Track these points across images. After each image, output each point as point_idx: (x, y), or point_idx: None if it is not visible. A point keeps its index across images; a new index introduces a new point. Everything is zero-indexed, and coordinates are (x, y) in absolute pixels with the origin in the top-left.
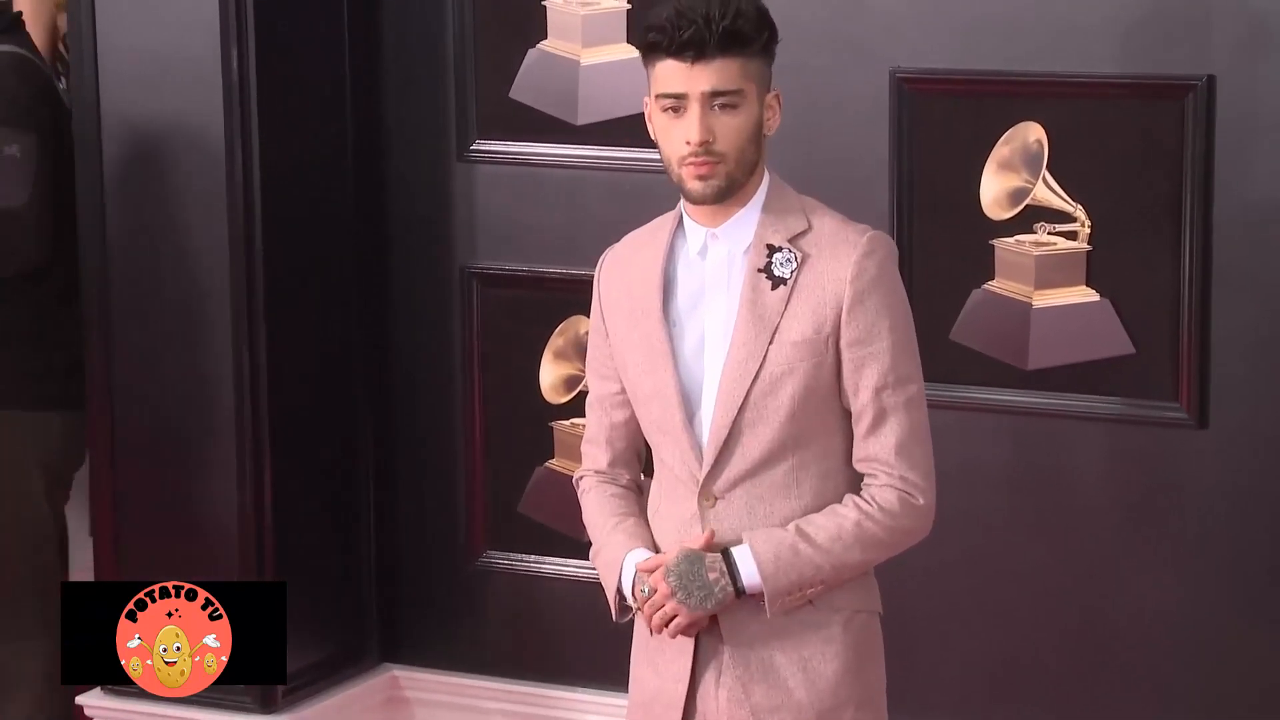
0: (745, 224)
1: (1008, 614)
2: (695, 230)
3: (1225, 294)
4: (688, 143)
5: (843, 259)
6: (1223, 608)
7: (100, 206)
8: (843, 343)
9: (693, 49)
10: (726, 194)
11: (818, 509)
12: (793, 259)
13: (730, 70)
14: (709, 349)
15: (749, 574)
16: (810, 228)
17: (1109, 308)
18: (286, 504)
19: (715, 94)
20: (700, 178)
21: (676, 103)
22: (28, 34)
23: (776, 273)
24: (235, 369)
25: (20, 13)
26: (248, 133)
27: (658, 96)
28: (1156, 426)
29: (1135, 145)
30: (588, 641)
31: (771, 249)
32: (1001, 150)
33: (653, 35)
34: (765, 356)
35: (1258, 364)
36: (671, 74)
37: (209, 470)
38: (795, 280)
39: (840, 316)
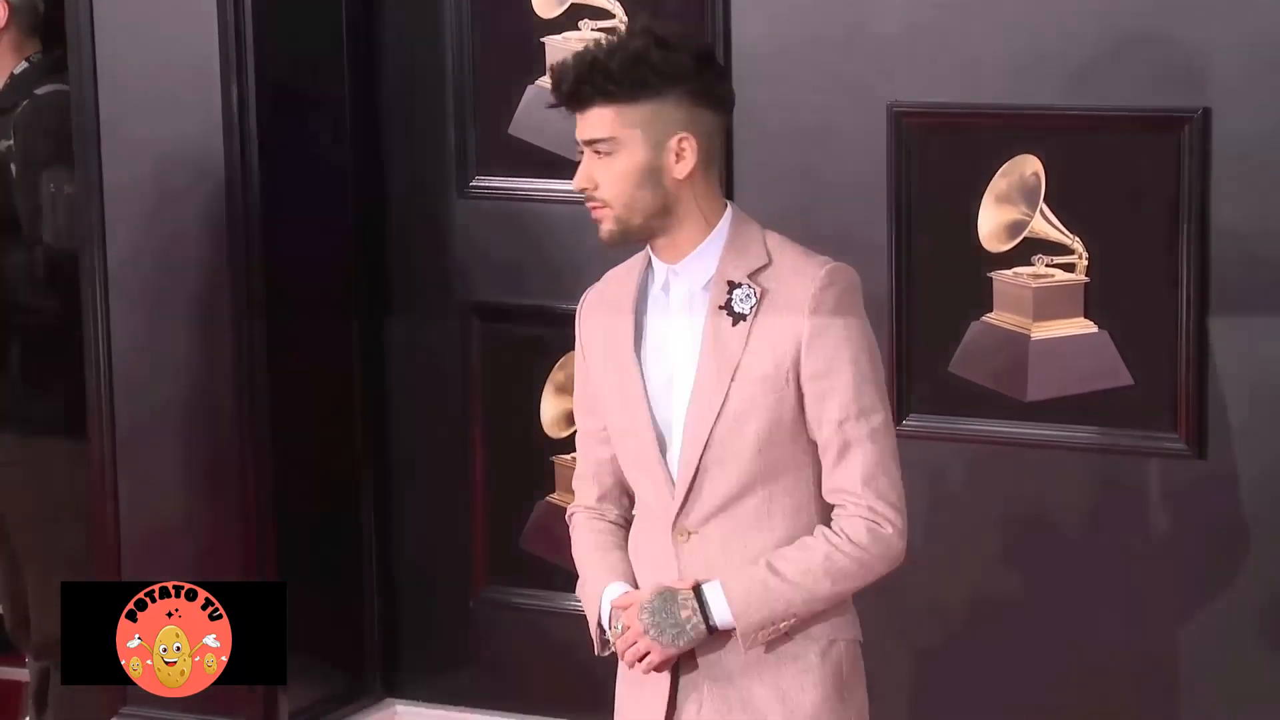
0: (705, 260)
1: (1004, 643)
2: (659, 268)
3: (1223, 324)
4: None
5: (800, 292)
6: (1223, 638)
7: (101, 236)
8: (803, 376)
9: (563, 100)
10: (624, 238)
11: (791, 541)
12: (752, 294)
13: (602, 118)
14: (676, 386)
15: (720, 611)
16: (770, 262)
17: (1107, 339)
18: (289, 540)
19: (590, 141)
20: (596, 221)
21: (581, 148)
22: None
23: (736, 309)
24: (235, 404)
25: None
26: (248, 168)
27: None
28: (1155, 457)
29: (1132, 178)
30: (588, 675)
31: (732, 285)
32: (999, 183)
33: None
34: (728, 393)
35: (1255, 395)
36: (576, 122)
37: (210, 494)
38: (755, 316)
39: (800, 350)
